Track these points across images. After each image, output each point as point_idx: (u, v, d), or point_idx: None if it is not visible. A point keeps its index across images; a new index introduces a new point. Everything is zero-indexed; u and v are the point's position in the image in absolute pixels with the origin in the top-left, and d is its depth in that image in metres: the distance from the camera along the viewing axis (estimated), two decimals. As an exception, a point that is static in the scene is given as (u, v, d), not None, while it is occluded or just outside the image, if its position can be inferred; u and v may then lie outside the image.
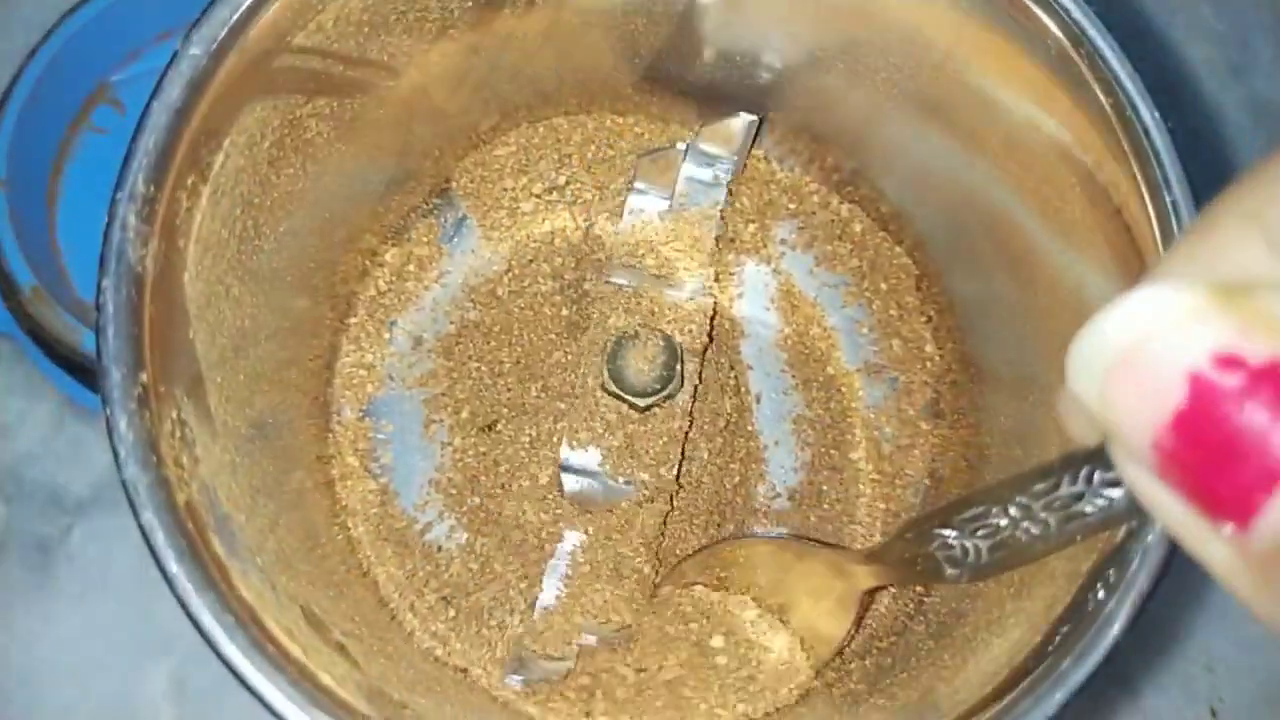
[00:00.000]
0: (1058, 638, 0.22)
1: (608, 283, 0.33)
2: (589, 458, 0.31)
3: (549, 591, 0.31)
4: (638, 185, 0.34)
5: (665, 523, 0.32)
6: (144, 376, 0.23)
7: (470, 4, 0.29)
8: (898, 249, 0.36)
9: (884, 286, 0.35)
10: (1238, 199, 0.12)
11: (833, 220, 0.36)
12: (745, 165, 0.35)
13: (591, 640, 0.30)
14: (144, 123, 0.24)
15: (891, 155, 0.34)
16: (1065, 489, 0.13)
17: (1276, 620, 0.11)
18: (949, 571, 0.15)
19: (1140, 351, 0.11)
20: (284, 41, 0.26)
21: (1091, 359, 0.12)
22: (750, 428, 0.35)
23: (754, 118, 0.33)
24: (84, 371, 0.40)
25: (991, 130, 0.29)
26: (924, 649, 0.28)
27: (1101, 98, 0.25)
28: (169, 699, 0.39)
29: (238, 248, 0.27)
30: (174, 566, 0.22)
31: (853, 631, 0.29)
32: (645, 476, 0.31)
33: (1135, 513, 0.12)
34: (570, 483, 0.31)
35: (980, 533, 0.14)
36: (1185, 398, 0.11)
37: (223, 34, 0.24)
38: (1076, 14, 0.25)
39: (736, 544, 0.31)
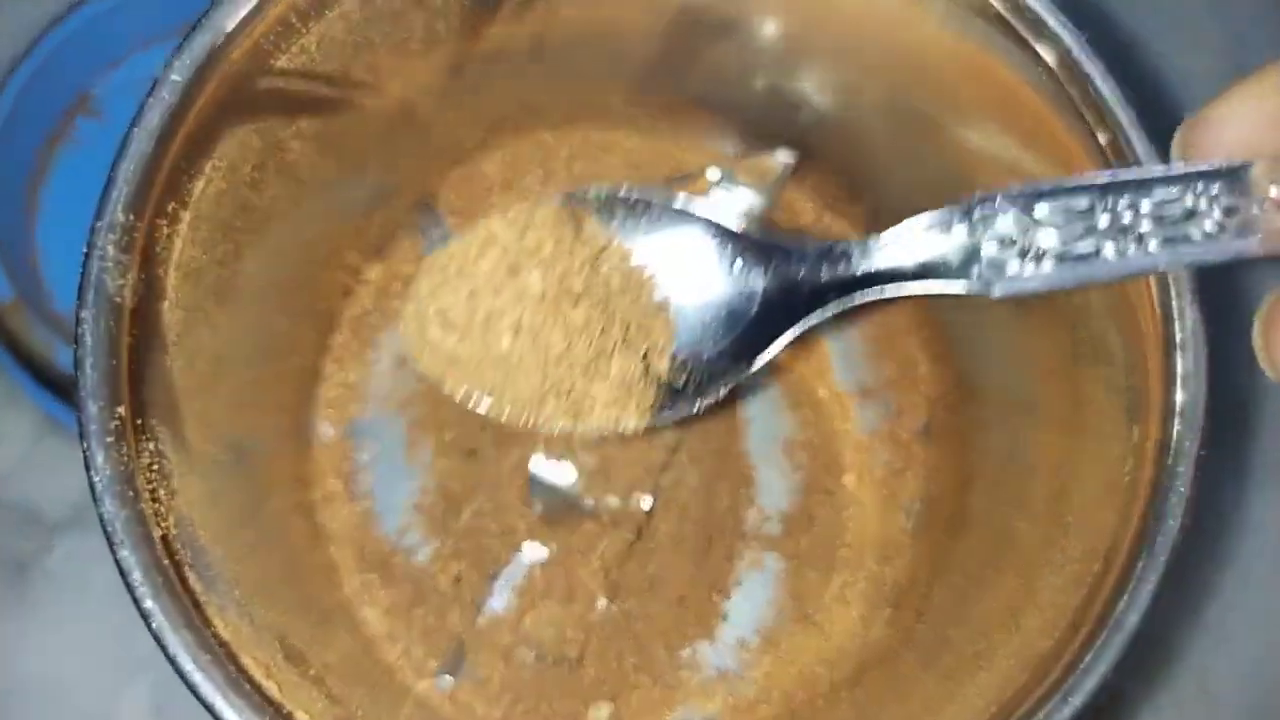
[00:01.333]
0: (1048, 676, 0.22)
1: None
2: (562, 472, 0.31)
3: (498, 597, 0.30)
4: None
5: (627, 552, 0.31)
6: (121, 410, 0.22)
7: (457, 23, 0.29)
8: (890, 270, 0.35)
9: (877, 307, 0.35)
10: None
11: (825, 237, 0.36)
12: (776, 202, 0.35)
13: (530, 656, 0.30)
14: (124, 150, 0.23)
15: (885, 172, 0.34)
16: (1187, 199, 0.11)
17: None
18: (977, 283, 0.12)
19: None
20: (267, 65, 0.25)
21: None
22: (740, 450, 0.34)
23: (791, 159, 0.33)
24: (62, 387, 0.39)
25: (984, 153, 0.29)
26: (914, 678, 0.28)
27: (1095, 130, 0.25)
28: (149, 717, 0.39)
29: (218, 272, 0.27)
30: (150, 603, 0.22)
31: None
32: (616, 502, 0.31)
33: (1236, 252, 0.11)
34: (538, 494, 0.31)
35: (1058, 221, 0.11)
36: None
37: (204, 59, 0.24)
38: (1068, 41, 0.25)
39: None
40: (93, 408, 0.22)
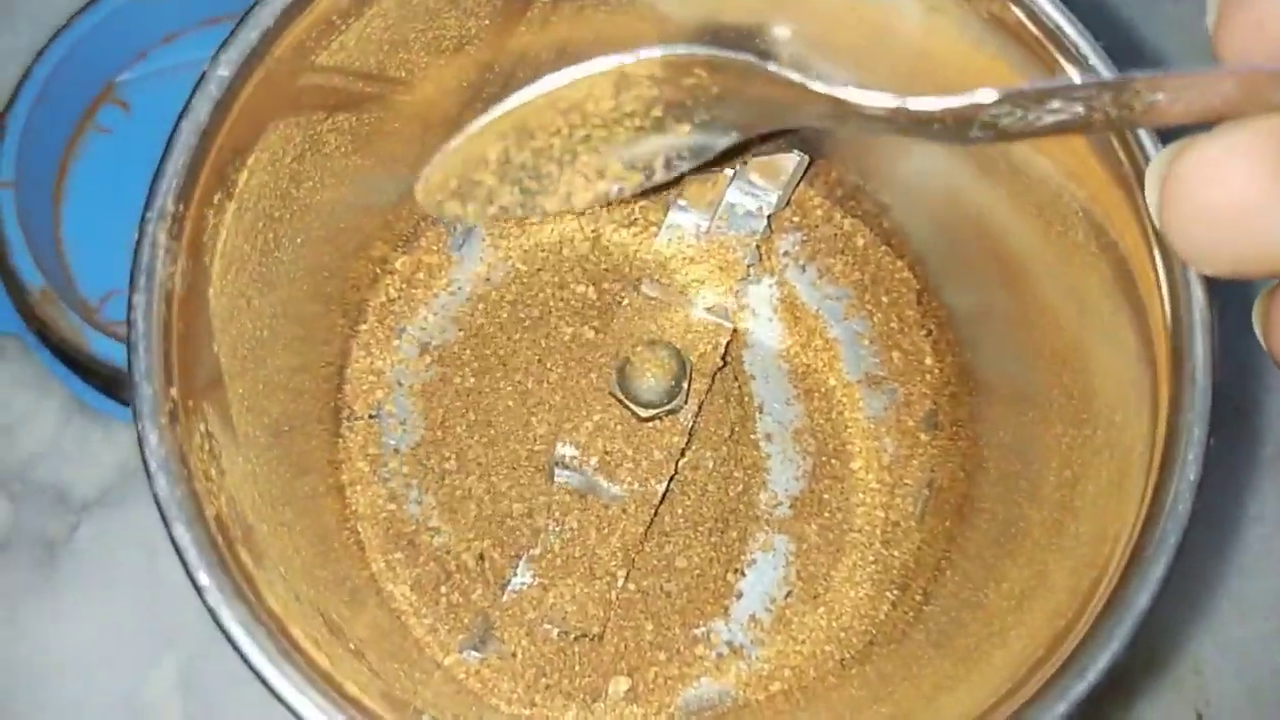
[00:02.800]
0: (1061, 652, 0.23)
1: (638, 293, 0.34)
2: (584, 456, 0.32)
3: (521, 575, 0.31)
4: (680, 203, 0.34)
5: (646, 533, 0.32)
6: (174, 391, 0.23)
7: (488, 22, 0.30)
8: (899, 263, 0.36)
9: (885, 300, 0.36)
10: None
11: (836, 234, 0.37)
12: (789, 202, 0.36)
13: (553, 632, 0.31)
14: (173, 142, 0.24)
15: (895, 171, 0.35)
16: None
17: None
18: (976, 132, 0.17)
19: None
20: (308, 61, 0.26)
21: None
22: (753, 437, 0.35)
23: (804, 157, 0.34)
24: (90, 371, 0.40)
25: (996, 153, 0.30)
26: (925, 657, 0.29)
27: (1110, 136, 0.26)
28: (177, 694, 0.40)
29: (258, 260, 0.28)
30: (205, 579, 0.23)
31: None
32: (635, 485, 0.32)
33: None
34: (561, 477, 0.32)
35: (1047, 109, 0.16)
36: None
37: (250, 54, 0.25)
38: (1085, 49, 0.26)
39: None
40: (147, 389, 0.23)
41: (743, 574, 0.34)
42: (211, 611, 0.22)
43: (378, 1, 0.27)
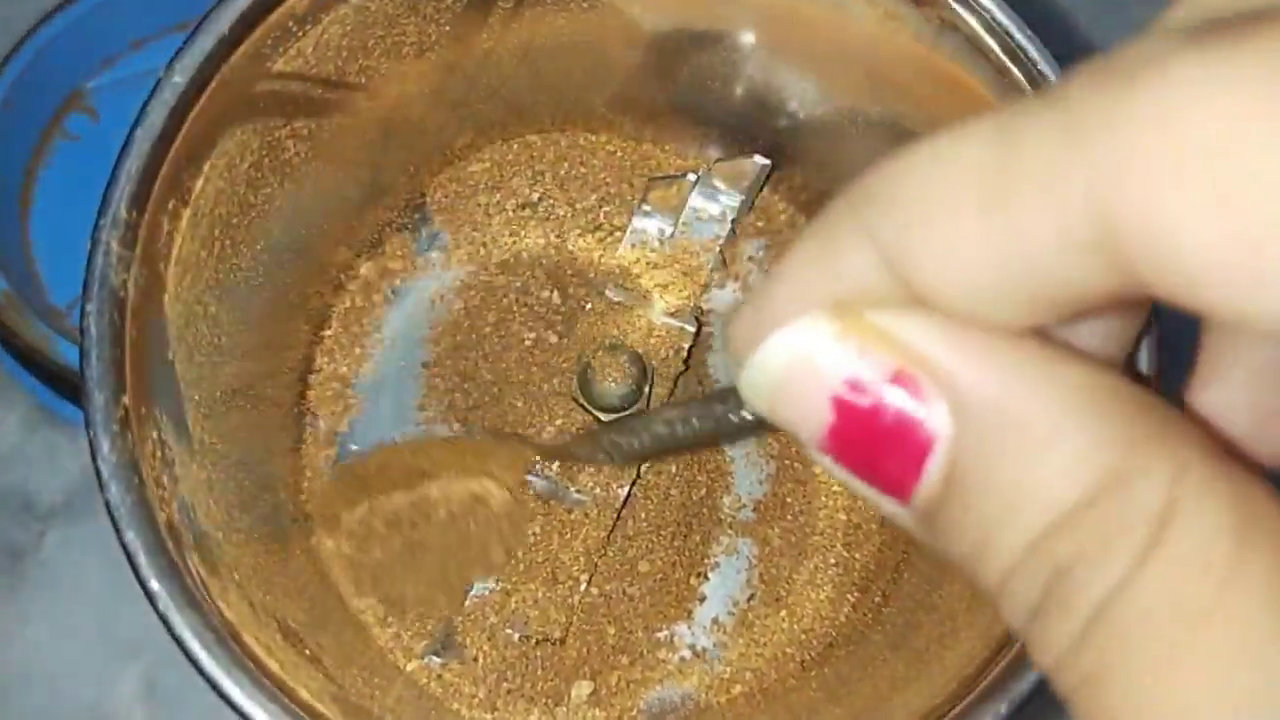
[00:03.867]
0: (1008, 651, 0.24)
1: (602, 298, 0.34)
2: (546, 461, 0.32)
3: (484, 581, 0.32)
4: (644, 207, 0.35)
5: (609, 538, 0.33)
6: (126, 399, 0.23)
7: (448, 28, 0.30)
8: (861, 268, 0.37)
9: (847, 304, 0.37)
10: (852, 209, 0.13)
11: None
12: (753, 206, 0.36)
13: (514, 636, 0.32)
14: (126, 149, 0.24)
15: (857, 176, 0.35)
16: (718, 409, 0.16)
17: (937, 549, 0.13)
18: (615, 457, 0.18)
19: (792, 379, 0.14)
20: (264, 68, 0.26)
21: (758, 383, 0.14)
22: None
23: (766, 162, 0.34)
24: (56, 378, 0.40)
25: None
26: (881, 659, 0.30)
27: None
28: (140, 701, 0.39)
29: (215, 267, 0.28)
30: (155, 585, 0.23)
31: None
32: (597, 490, 0.32)
33: (765, 427, 0.15)
34: (535, 484, 0.32)
35: (644, 435, 0.17)
36: (833, 416, 0.13)
37: (204, 62, 0.25)
38: (1033, 54, 0.27)
39: (414, 445, 0.33)
40: (99, 397, 0.23)
41: (705, 578, 0.34)
42: (162, 617, 0.22)
43: (335, 8, 0.27)
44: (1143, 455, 0.12)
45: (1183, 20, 0.12)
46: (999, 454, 0.12)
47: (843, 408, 0.13)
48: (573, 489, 0.32)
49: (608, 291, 0.34)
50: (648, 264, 0.35)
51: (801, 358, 0.13)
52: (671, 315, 0.34)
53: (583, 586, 0.32)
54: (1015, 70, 0.27)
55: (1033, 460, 0.12)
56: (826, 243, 0.13)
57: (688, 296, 0.35)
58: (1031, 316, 0.12)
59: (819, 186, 0.36)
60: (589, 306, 0.34)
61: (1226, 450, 0.12)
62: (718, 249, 0.35)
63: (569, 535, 0.32)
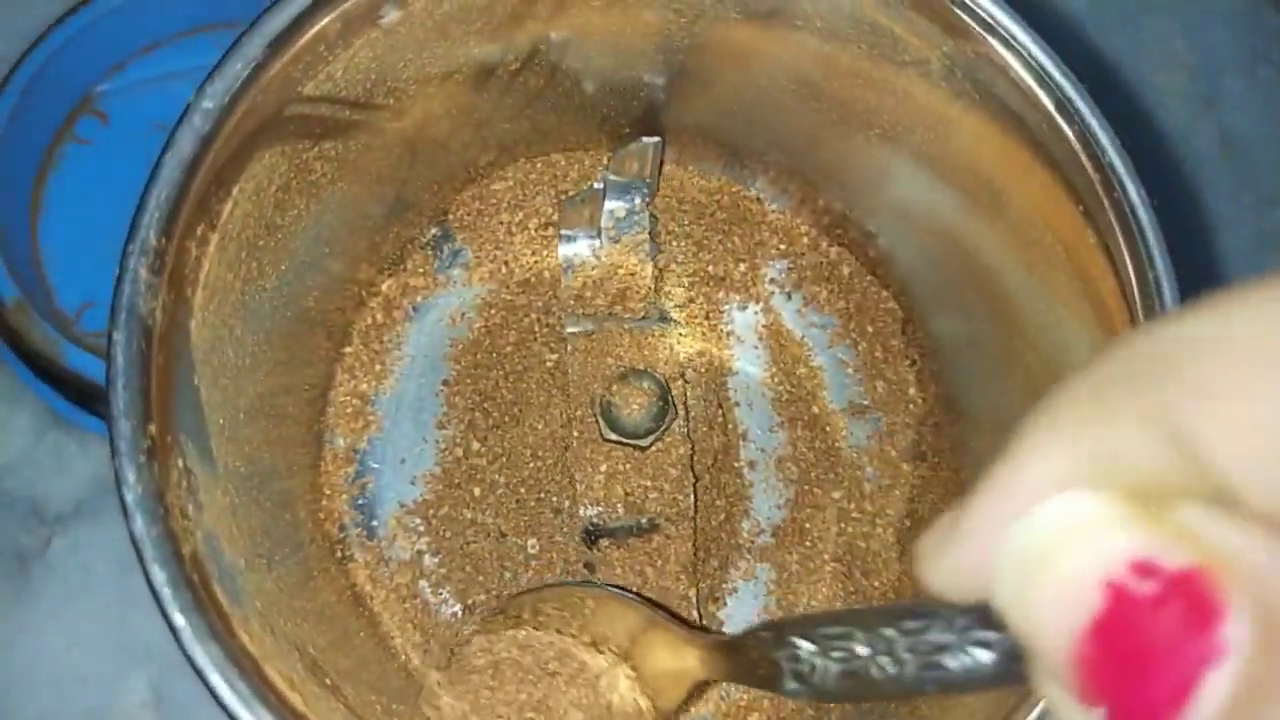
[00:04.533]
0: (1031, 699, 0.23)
1: (569, 332, 0.33)
2: (608, 508, 0.32)
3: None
4: (564, 232, 0.34)
5: (695, 543, 0.32)
6: (152, 428, 0.23)
7: (476, 50, 0.29)
8: (884, 292, 0.37)
9: (870, 329, 0.36)
10: (1138, 387, 0.11)
11: (822, 262, 0.37)
12: (660, 185, 0.36)
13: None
14: (156, 175, 0.24)
15: (882, 201, 0.35)
16: (934, 635, 0.12)
17: None
18: (790, 685, 0.14)
19: (1059, 557, 0.11)
20: (294, 92, 0.26)
21: (1010, 565, 0.12)
22: (736, 464, 0.35)
23: (656, 139, 0.34)
24: (65, 383, 0.40)
25: (981, 190, 0.30)
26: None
27: (1090, 171, 0.26)
28: (149, 708, 0.39)
29: (241, 289, 0.27)
30: (180, 620, 0.22)
31: (678, 713, 0.28)
32: (667, 509, 0.32)
33: (1001, 679, 0.12)
34: (598, 536, 0.32)
35: (835, 654, 0.13)
36: (1103, 604, 0.11)
37: (235, 86, 0.24)
38: (1070, 91, 0.26)
39: (585, 591, 0.29)
40: (125, 427, 0.23)
41: (724, 603, 0.34)
42: (186, 653, 0.22)
43: (366, 32, 0.26)
44: None
45: None
46: None
47: (1117, 597, 0.11)
48: (643, 519, 0.32)
49: (568, 328, 0.34)
50: (593, 283, 0.34)
51: (1084, 528, 0.11)
52: (643, 319, 0.34)
53: (694, 599, 0.32)
54: (1040, 92, 0.27)
55: None
56: (1095, 420, 0.11)
57: (645, 294, 0.34)
58: None
59: (840, 209, 0.36)
60: (569, 350, 0.34)
61: None
62: (648, 239, 0.35)
63: (660, 561, 0.32)
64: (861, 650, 0.13)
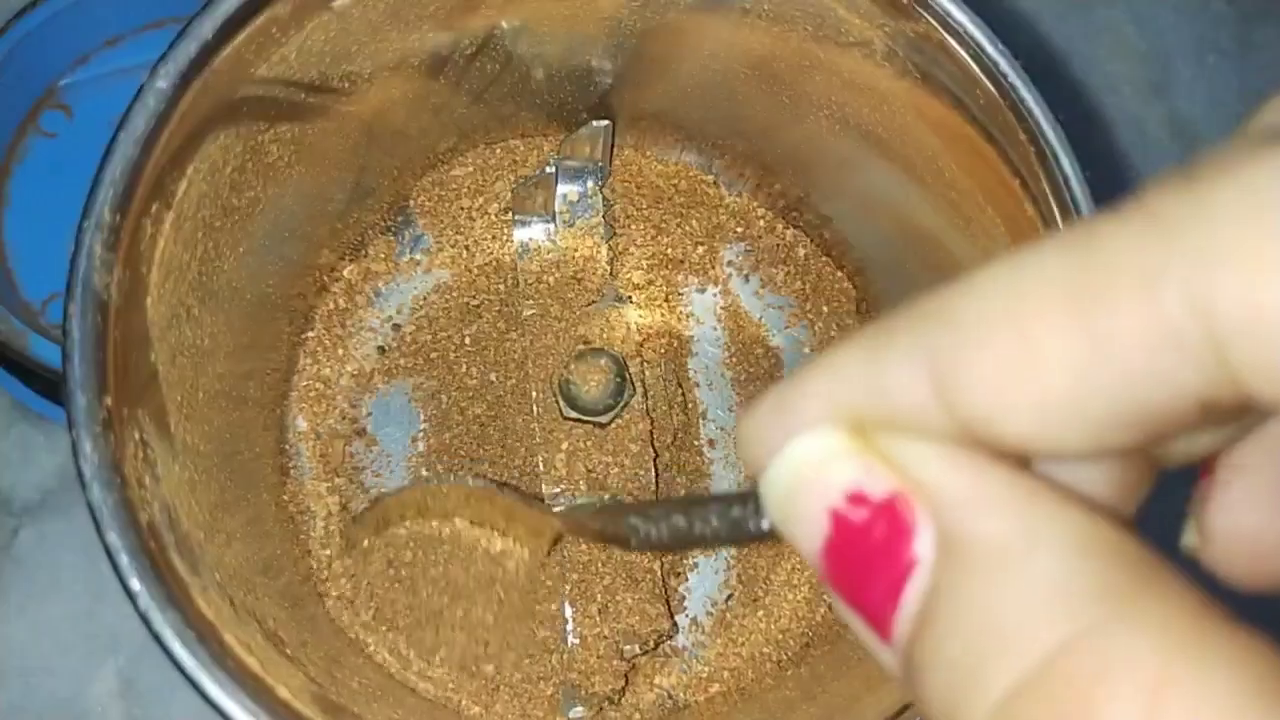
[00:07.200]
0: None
1: (527, 315, 0.34)
2: (570, 484, 0.32)
3: (571, 618, 0.32)
4: (518, 218, 0.35)
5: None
6: (108, 400, 0.24)
7: (432, 34, 0.30)
8: (839, 274, 0.37)
9: (825, 309, 0.37)
10: (911, 324, 0.12)
11: (778, 245, 0.38)
12: (618, 170, 0.37)
13: (636, 649, 0.32)
14: (110, 153, 0.24)
15: (835, 184, 0.36)
16: (735, 512, 0.16)
17: (922, 705, 0.12)
18: (632, 542, 0.18)
19: (801, 487, 0.13)
20: (247, 73, 0.26)
21: (774, 490, 0.13)
22: (696, 443, 0.36)
23: (605, 121, 0.35)
24: (32, 375, 0.40)
25: (925, 167, 0.31)
26: (855, 658, 0.30)
27: (1025, 144, 0.27)
28: (118, 697, 0.39)
29: (198, 269, 0.28)
30: (136, 584, 0.23)
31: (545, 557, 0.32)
32: (629, 484, 0.32)
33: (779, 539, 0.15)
34: (562, 512, 0.32)
35: (662, 524, 0.17)
36: (830, 530, 0.13)
37: (187, 67, 0.25)
38: (1005, 67, 0.27)
39: (442, 489, 0.31)
40: (81, 399, 0.23)
41: (685, 578, 0.35)
42: (143, 616, 0.22)
43: (318, 14, 0.27)
44: (1132, 613, 0.11)
45: (1261, 130, 0.12)
46: (975, 589, 0.11)
47: (839, 522, 0.13)
48: (605, 495, 0.32)
49: (525, 312, 0.34)
50: (550, 266, 0.35)
51: (814, 465, 0.13)
52: (599, 300, 0.35)
53: (659, 573, 0.32)
54: (976, 69, 0.27)
55: (1010, 601, 0.11)
56: (875, 354, 0.13)
57: (601, 277, 0.35)
58: (1098, 439, 0.12)
59: (797, 193, 0.37)
60: (529, 321, 0.34)
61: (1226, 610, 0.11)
62: (601, 222, 0.35)
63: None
64: (680, 522, 0.17)
